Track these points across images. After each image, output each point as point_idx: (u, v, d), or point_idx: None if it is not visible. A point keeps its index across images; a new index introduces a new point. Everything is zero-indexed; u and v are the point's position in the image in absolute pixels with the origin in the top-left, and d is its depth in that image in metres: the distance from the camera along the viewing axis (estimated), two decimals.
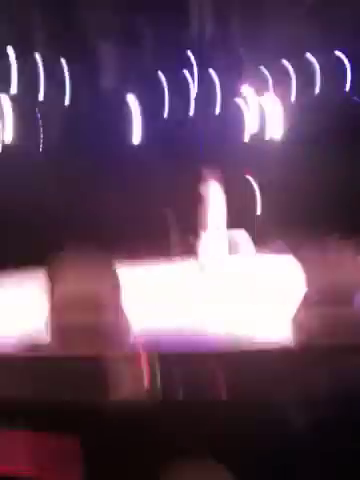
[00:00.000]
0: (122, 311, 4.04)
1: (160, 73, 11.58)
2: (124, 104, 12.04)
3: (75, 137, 11.52)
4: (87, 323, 3.77)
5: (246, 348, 3.70)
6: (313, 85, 12.43)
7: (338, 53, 11.65)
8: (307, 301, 4.01)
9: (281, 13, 10.41)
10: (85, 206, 12.88)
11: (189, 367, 3.51)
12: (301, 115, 12.08)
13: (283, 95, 12.40)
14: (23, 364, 3.38)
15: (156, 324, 3.93)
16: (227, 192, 8.12)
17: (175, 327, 3.99)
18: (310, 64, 11.87)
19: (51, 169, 11.51)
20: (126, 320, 4.05)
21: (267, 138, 12.35)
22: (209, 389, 3.36)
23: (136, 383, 3.19)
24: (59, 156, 11.39)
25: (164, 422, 3.13)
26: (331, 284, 3.89)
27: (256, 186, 14.84)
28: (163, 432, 3.07)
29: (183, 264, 8.15)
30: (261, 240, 13.19)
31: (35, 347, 3.67)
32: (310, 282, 3.92)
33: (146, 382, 3.24)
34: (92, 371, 3.54)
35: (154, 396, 3.17)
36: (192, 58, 11.64)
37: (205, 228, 7.82)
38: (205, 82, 12.27)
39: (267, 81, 12.17)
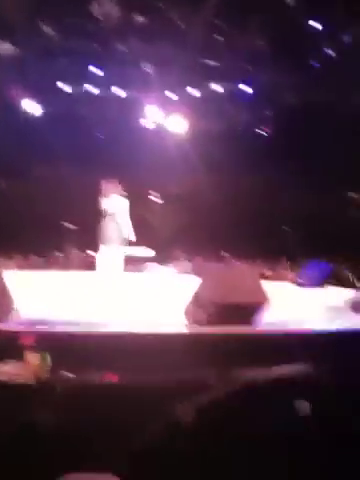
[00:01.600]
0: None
1: (64, 85, 11.50)
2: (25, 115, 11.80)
3: None
4: None
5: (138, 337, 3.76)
6: (217, 114, 12.98)
7: (242, 85, 12.26)
8: (206, 315, 4.17)
9: (189, 43, 10.80)
10: None
11: (80, 352, 3.46)
12: (204, 139, 12.54)
13: (188, 119, 12.84)
14: None
15: (50, 316, 3.88)
16: (131, 206, 8.11)
17: (67, 319, 3.94)
18: (215, 93, 12.40)
19: None
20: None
21: (171, 157, 12.64)
22: (100, 372, 3.33)
23: (26, 366, 3.09)
24: None
25: (54, 403, 3.04)
26: (232, 302, 4.09)
27: (159, 201, 15.09)
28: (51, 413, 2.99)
29: (79, 275, 8.02)
30: (164, 256, 13.38)
31: None
32: (210, 299, 4.09)
33: (36, 366, 3.14)
34: None
35: (42, 377, 3.09)
36: (99, 73, 11.69)
37: (104, 242, 7.71)
38: (110, 99, 12.37)
39: (173, 104, 12.55)
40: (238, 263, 4.91)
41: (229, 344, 3.80)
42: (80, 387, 3.16)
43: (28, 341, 3.14)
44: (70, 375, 3.21)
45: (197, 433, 3.16)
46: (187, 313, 4.53)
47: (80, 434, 3.02)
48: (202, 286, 4.54)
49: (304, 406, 3.36)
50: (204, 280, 4.62)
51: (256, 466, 3.23)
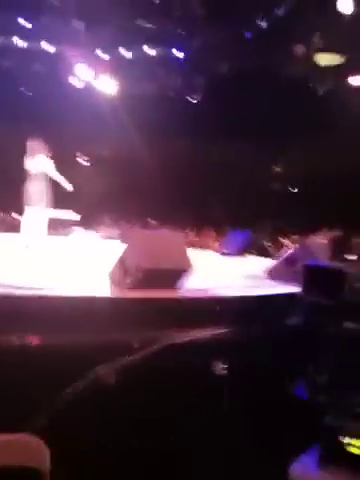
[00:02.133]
0: None
1: None
2: None
3: None
4: None
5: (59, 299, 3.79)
6: (148, 76, 12.83)
7: (173, 49, 12.16)
8: (130, 279, 4.24)
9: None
10: None
11: (7, 316, 3.44)
12: (134, 102, 12.38)
13: (118, 81, 12.60)
14: None
15: None
16: (57, 168, 7.90)
17: None
18: (146, 55, 12.21)
19: None
20: None
21: (99, 118, 12.41)
22: (26, 337, 3.35)
23: None
24: None
25: None
26: (156, 268, 4.17)
27: (86, 163, 14.81)
28: None
29: (2, 236, 7.81)
30: (90, 220, 13.23)
31: None
32: (135, 264, 4.13)
33: None
34: None
35: None
36: (28, 26, 11.16)
37: (28, 204, 7.51)
38: (39, 53, 11.87)
39: (104, 64, 12.24)
40: (164, 230, 5.01)
41: (152, 308, 3.91)
42: (3, 349, 3.17)
43: None
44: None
45: (119, 393, 3.28)
46: (111, 277, 4.58)
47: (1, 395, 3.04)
48: (127, 251, 4.58)
49: (220, 364, 3.57)
50: (129, 245, 4.66)
51: (174, 423, 3.42)
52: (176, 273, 4.54)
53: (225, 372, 3.65)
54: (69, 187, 7.49)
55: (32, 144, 7.53)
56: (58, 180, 7.38)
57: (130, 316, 3.72)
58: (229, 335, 3.91)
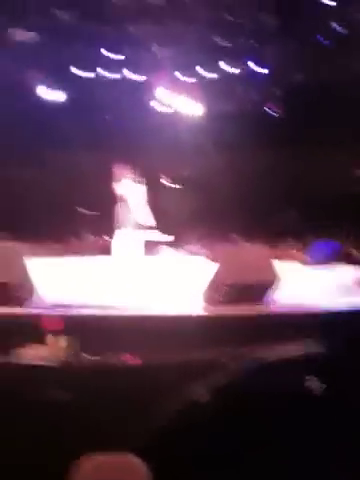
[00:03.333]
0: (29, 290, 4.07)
1: (76, 70, 11.53)
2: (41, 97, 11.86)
3: None
4: None
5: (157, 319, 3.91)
6: (227, 94, 12.93)
7: (251, 63, 12.18)
8: (219, 295, 4.30)
9: (198, 21, 10.73)
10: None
11: (102, 334, 3.62)
12: (215, 120, 12.53)
13: (199, 101, 12.81)
14: None
15: (71, 301, 4.05)
16: (141, 191, 8.17)
17: (88, 303, 4.11)
18: (224, 72, 12.34)
19: None
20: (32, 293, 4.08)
21: (182, 139, 12.66)
22: (123, 356, 3.49)
23: (49, 349, 3.26)
24: None
25: (76, 384, 3.21)
26: (243, 282, 4.20)
27: (173, 185, 15.13)
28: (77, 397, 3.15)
29: (97, 259, 8.15)
30: (178, 239, 13.46)
31: None
32: (223, 280, 4.20)
33: (57, 348, 3.31)
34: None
35: (65, 359, 3.26)
36: (110, 57, 11.70)
37: (120, 226, 7.81)
38: (122, 82, 12.39)
39: (182, 85, 12.53)
40: (248, 244, 5.04)
41: (242, 324, 3.93)
42: (101, 369, 3.32)
43: (50, 325, 3.29)
44: (91, 357, 3.37)
45: (213, 412, 3.31)
46: (203, 294, 4.66)
47: (100, 415, 3.18)
48: (216, 267, 4.65)
49: (315, 384, 3.49)
50: (215, 262, 4.74)
51: (268, 443, 3.38)
52: (264, 287, 4.55)
53: (319, 391, 3.56)
54: (151, 221, 7.75)
55: (119, 169, 7.88)
56: (140, 207, 7.64)
57: (221, 332, 3.77)
58: (322, 350, 3.83)
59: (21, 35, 10.29)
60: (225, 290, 4.37)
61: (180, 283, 6.40)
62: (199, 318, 4.17)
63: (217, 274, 4.53)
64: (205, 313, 4.36)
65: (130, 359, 3.43)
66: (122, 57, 11.86)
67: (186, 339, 3.65)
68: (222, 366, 3.46)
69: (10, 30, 10.16)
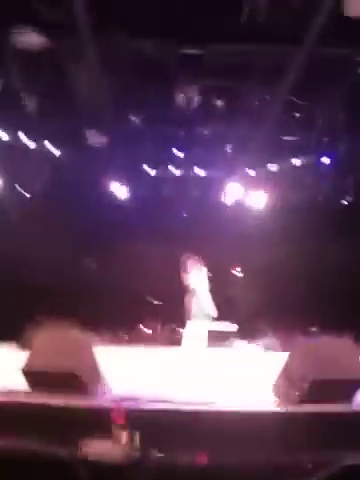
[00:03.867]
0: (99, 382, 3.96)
1: (149, 169, 12.07)
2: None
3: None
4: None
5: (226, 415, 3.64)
6: (298, 188, 13.01)
7: (323, 157, 12.28)
8: (298, 392, 3.98)
9: (268, 118, 11.08)
10: (70, 276, 12.86)
11: (169, 430, 3.40)
12: (287, 214, 12.54)
13: (268, 194, 12.94)
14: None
15: (139, 393, 3.89)
16: (213, 281, 8.14)
17: (156, 396, 3.92)
18: (294, 166, 12.49)
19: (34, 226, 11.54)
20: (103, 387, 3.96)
21: (252, 232, 12.68)
22: (190, 452, 3.23)
23: (115, 444, 3.08)
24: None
25: None
26: (328, 379, 3.89)
27: (241, 275, 14.98)
28: None
29: (166, 350, 7.99)
30: (248, 331, 13.06)
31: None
32: (303, 375, 3.91)
33: (124, 443, 3.12)
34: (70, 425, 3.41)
35: (131, 455, 3.05)
36: (181, 156, 12.20)
37: (189, 317, 7.73)
38: (192, 179, 12.82)
39: (253, 181, 12.76)
40: (330, 337, 4.74)
41: (325, 424, 3.57)
42: (169, 467, 3.08)
43: (117, 418, 3.15)
44: (159, 454, 3.16)
45: None
46: (275, 390, 4.34)
47: None
48: (291, 360, 4.35)
49: None
50: (293, 354, 4.43)
51: None
52: (349, 384, 4.16)
53: None
54: (214, 313, 7.66)
55: (188, 260, 7.93)
56: (209, 298, 7.56)
57: (299, 432, 3.44)
58: None
59: (95, 137, 11.01)
60: (305, 386, 4.03)
61: (253, 377, 6.07)
62: (275, 415, 3.84)
63: (291, 366, 4.21)
64: (281, 410, 4.02)
65: (197, 458, 3.17)
66: (192, 156, 12.40)
67: (259, 438, 3.35)
68: (300, 470, 3.11)
69: (86, 132, 10.91)
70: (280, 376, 4.27)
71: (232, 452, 3.17)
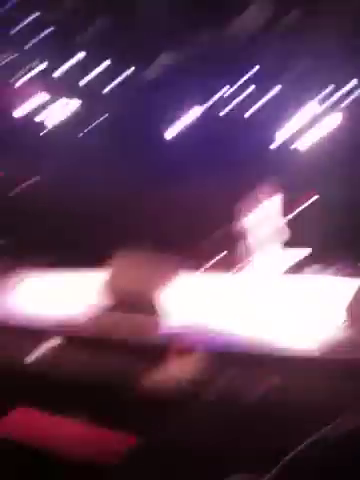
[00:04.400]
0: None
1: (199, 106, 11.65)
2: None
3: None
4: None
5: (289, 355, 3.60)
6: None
7: None
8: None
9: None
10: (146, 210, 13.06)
11: (232, 367, 3.42)
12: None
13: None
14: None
15: (206, 324, 3.95)
16: (287, 209, 7.97)
17: (222, 328, 3.96)
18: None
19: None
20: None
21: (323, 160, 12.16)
22: (250, 390, 3.26)
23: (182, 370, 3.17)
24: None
25: (204, 410, 3.06)
26: None
27: (317, 204, 14.56)
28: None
29: (239, 276, 8.04)
30: (324, 259, 12.83)
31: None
32: None
33: (191, 370, 3.21)
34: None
35: (196, 382, 3.13)
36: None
37: (263, 244, 7.68)
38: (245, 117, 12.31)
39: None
40: None
41: None
42: (229, 402, 3.12)
43: (185, 346, 3.19)
44: (222, 384, 3.21)
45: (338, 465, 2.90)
46: (348, 312, 4.25)
47: (225, 444, 2.97)
48: None
49: None
50: None
51: None
52: None
53: None
54: (286, 236, 7.52)
55: (262, 189, 7.76)
56: (280, 225, 7.44)
57: None
58: None
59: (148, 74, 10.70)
60: None
61: (326, 304, 5.99)
62: (342, 362, 3.74)
63: None
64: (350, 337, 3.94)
65: (261, 395, 3.19)
66: (244, 94, 11.85)
67: (326, 380, 3.30)
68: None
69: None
70: (353, 299, 4.19)
71: (296, 391, 3.16)
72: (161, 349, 3.43)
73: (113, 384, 3.20)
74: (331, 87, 11.90)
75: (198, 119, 12.07)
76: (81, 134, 11.81)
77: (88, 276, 5.61)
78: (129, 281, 4.05)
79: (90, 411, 3.08)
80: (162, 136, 12.22)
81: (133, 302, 3.93)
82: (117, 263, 4.15)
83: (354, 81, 11.80)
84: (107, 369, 3.23)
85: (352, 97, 11.84)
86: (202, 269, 11.10)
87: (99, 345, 3.46)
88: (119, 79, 10.95)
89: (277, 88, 11.46)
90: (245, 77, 11.18)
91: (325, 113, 12.24)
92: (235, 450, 2.94)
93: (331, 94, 12.01)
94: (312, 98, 12.01)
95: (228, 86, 11.49)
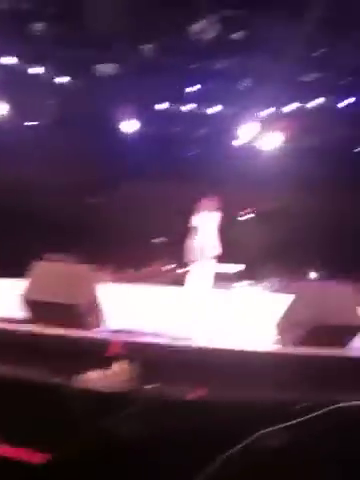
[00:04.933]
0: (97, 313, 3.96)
1: (160, 104, 11.70)
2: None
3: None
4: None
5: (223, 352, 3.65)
6: (313, 131, 12.64)
7: (338, 98, 11.83)
8: (299, 334, 3.97)
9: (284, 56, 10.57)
10: (75, 213, 12.79)
11: (166, 364, 3.41)
12: (299, 158, 12.25)
13: (283, 136, 12.60)
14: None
15: (138, 328, 3.92)
16: (223, 223, 8.01)
17: (155, 331, 3.95)
18: (311, 108, 12.09)
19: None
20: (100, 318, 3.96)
21: (264, 174, 12.45)
22: (185, 386, 3.26)
23: (115, 374, 3.11)
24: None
25: (137, 414, 3.02)
26: (329, 323, 3.86)
27: (252, 218, 14.88)
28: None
29: (169, 289, 8.03)
30: (255, 274, 13.11)
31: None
32: (305, 318, 3.88)
33: (121, 375, 3.15)
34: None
35: (126, 386, 3.09)
36: (194, 91, 11.81)
37: (195, 257, 7.66)
38: (203, 115, 12.44)
39: (267, 121, 12.36)
40: (334, 283, 4.69)
41: (319, 366, 3.58)
42: (163, 400, 3.12)
43: (115, 350, 3.16)
44: (154, 387, 3.19)
45: (280, 458, 2.99)
46: (277, 330, 4.35)
47: (157, 448, 2.96)
48: (294, 303, 4.32)
49: None
50: (297, 297, 4.41)
51: None
52: (347, 330, 4.16)
53: None
54: (218, 251, 7.55)
55: (203, 201, 7.71)
56: (215, 239, 7.45)
57: (295, 373, 3.44)
58: None
59: (104, 68, 10.59)
60: (306, 329, 4.02)
61: (255, 318, 6.10)
62: (273, 356, 3.85)
63: (293, 309, 4.20)
64: (280, 351, 4.03)
65: (192, 393, 3.19)
66: (204, 91, 11.97)
67: (256, 377, 3.36)
68: (293, 410, 3.15)
69: (95, 64, 10.50)
70: (283, 317, 4.27)
71: (228, 388, 3.19)
72: (87, 355, 3.34)
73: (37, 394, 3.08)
74: (272, 108, 12.28)
75: (158, 116, 12.02)
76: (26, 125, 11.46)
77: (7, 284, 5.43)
78: (48, 292, 3.90)
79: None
80: (119, 132, 12.04)
81: (54, 313, 3.79)
82: (35, 272, 3.98)
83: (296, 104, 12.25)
84: (29, 378, 3.11)
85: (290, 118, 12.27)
86: (135, 277, 11.04)
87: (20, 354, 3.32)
88: (72, 71, 10.71)
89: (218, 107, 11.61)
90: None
91: (264, 132, 12.58)
92: (164, 453, 2.93)
93: (271, 115, 12.38)
94: (252, 118, 12.34)
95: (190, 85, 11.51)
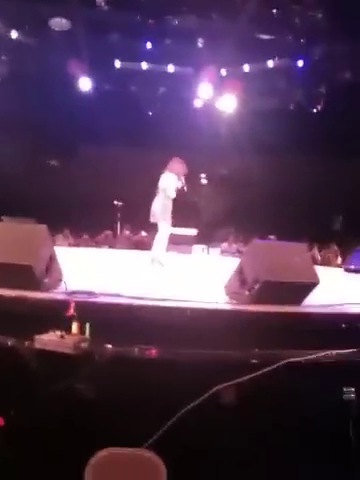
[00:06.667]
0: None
1: (117, 61, 11.43)
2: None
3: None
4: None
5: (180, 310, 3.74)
6: (269, 93, 12.65)
7: (294, 59, 11.85)
8: (249, 292, 4.06)
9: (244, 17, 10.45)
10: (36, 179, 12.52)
11: (121, 323, 3.47)
12: (256, 121, 12.26)
13: (239, 97, 12.56)
14: None
15: (92, 288, 3.94)
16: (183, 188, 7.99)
17: (109, 291, 3.99)
18: (268, 68, 12.06)
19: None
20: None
21: (220, 136, 12.46)
22: (140, 345, 3.34)
23: (74, 335, 3.15)
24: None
25: (92, 374, 3.09)
26: (279, 281, 3.95)
27: (206, 182, 14.95)
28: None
29: (127, 252, 8.05)
30: (211, 237, 13.26)
31: None
32: (256, 276, 3.96)
33: (75, 333, 3.19)
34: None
35: (82, 347, 3.14)
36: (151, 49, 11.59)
37: (154, 221, 7.68)
38: (163, 75, 12.26)
39: (225, 81, 12.30)
40: (287, 242, 4.80)
41: (272, 323, 3.70)
42: (118, 359, 3.17)
43: (69, 310, 3.18)
44: (109, 346, 3.24)
45: (235, 412, 3.12)
46: (228, 290, 4.44)
47: (116, 407, 3.03)
48: (245, 261, 4.39)
49: (346, 389, 3.26)
50: (247, 255, 4.48)
51: (294, 445, 3.18)
52: (301, 288, 4.26)
53: (352, 398, 3.32)
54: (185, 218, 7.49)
55: (170, 163, 7.63)
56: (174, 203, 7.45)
57: (248, 330, 3.55)
58: (356, 356, 3.57)
59: (61, 25, 10.23)
60: (256, 287, 4.12)
61: (208, 280, 6.22)
62: (224, 313, 3.94)
63: (244, 267, 4.27)
64: (231, 308, 4.13)
65: (147, 352, 3.27)
66: (165, 50, 11.75)
67: (210, 335, 3.46)
68: (246, 366, 3.27)
69: (51, 20, 10.11)
70: (232, 277, 4.35)
71: (183, 347, 3.27)
72: (44, 316, 3.36)
73: None
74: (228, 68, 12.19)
75: (114, 74, 11.74)
76: None
77: None
78: (3, 252, 3.85)
79: None
80: (75, 90, 11.69)
81: (9, 274, 3.77)
82: None
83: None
84: None
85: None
86: (93, 239, 10.94)
87: None
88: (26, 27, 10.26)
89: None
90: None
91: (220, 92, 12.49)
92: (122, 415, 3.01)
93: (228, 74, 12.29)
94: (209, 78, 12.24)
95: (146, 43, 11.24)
